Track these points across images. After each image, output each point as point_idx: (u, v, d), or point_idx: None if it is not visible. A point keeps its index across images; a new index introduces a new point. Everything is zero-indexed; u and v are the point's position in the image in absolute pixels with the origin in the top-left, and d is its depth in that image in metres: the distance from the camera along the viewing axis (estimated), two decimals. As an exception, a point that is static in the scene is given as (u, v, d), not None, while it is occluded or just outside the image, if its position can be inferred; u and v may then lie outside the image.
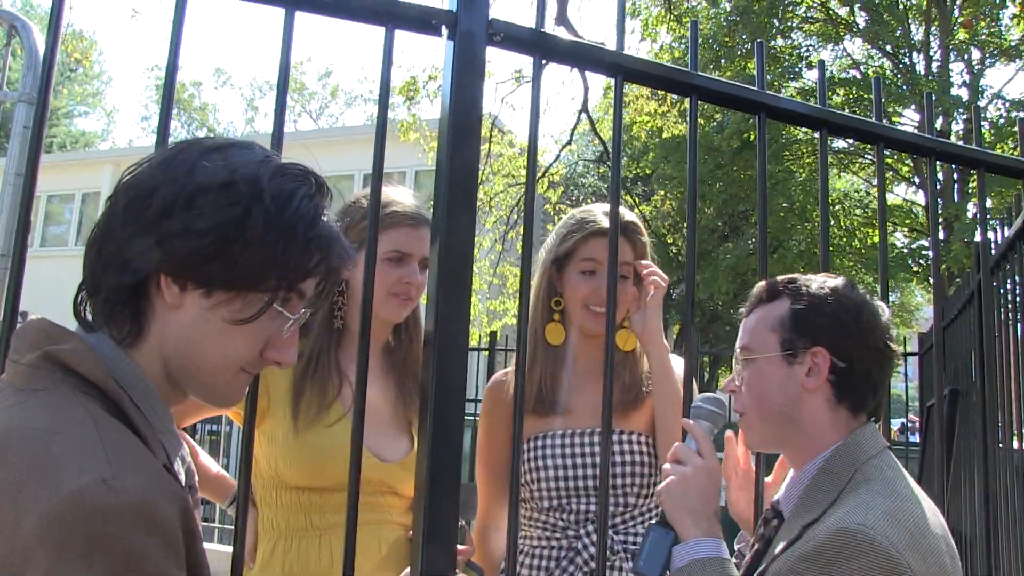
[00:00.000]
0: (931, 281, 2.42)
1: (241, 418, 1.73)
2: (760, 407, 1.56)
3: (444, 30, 1.53)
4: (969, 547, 3.96)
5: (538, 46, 1.66)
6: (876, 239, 13.86)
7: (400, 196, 2.05)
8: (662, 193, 14.37)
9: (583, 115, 10.98)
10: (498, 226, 12.59)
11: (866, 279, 15.18)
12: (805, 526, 1.41)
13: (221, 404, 1.19)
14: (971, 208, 12.14)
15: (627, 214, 2.27)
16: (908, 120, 15.03)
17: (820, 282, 1.57)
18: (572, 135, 11.46)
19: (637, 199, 14.59)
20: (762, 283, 1.64)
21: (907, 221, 15.54)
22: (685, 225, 13.75)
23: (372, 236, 1.50)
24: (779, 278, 1.62)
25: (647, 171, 14.91)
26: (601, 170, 16.68)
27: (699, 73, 1.84)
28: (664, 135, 13.00)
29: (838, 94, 13.40)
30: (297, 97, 40.68)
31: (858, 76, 14.60)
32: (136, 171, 1.11)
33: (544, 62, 1.75)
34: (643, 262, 2.20)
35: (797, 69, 14.38)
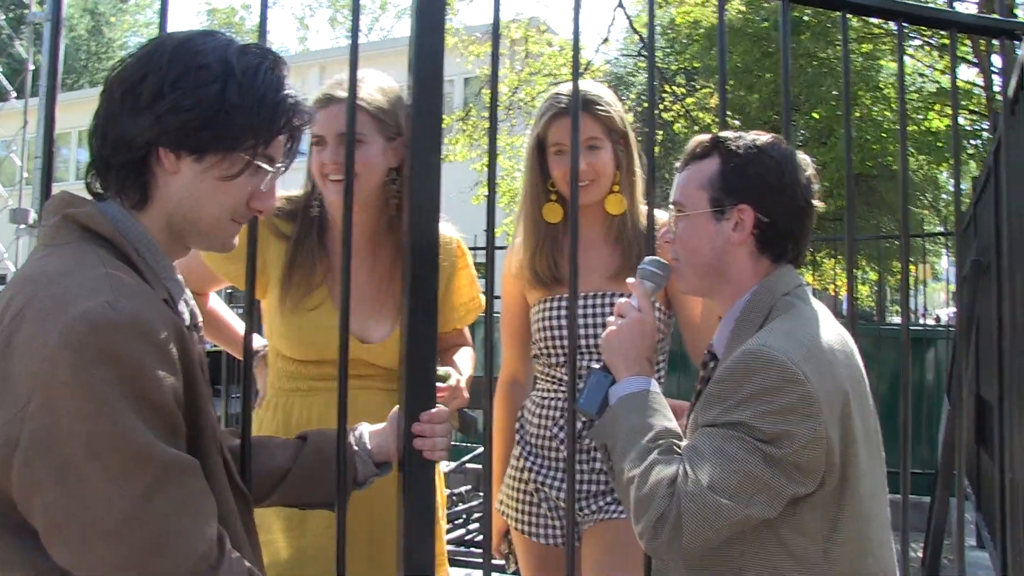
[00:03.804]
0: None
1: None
2: (692, 259, 1.72)
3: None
4: (991, 412, 4.10)
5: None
6: (931, 123, 13.48)
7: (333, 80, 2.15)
8: (708, 88, 14.14)
9: (617, 11, 10.90)
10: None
11: (920, 160, 14.88)
12: None
13: (219, 249, 1.44)
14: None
15: (591, 88, 2.41)
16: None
17: (749, 141, 1.70)
18: (609, 31, 11.41)
19: (683, 91, 14.38)
20: (694, 139, 1.77)
21: (967, 104, 15.04)
22: (731, 115, 13.59)
23: (350, 139, 1.70)
24: (710, 136, 1.75)
25: (695, 64, 14.70)
26: (641, 64, 16.39)
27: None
28: (705, 25, 12.74)
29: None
30: (346, 13, 40.42)
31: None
32: (123, 66, 1.34)
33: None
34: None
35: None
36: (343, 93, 2.02)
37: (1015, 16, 2.30)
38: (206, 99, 1.29)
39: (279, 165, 1.41)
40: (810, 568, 1.53)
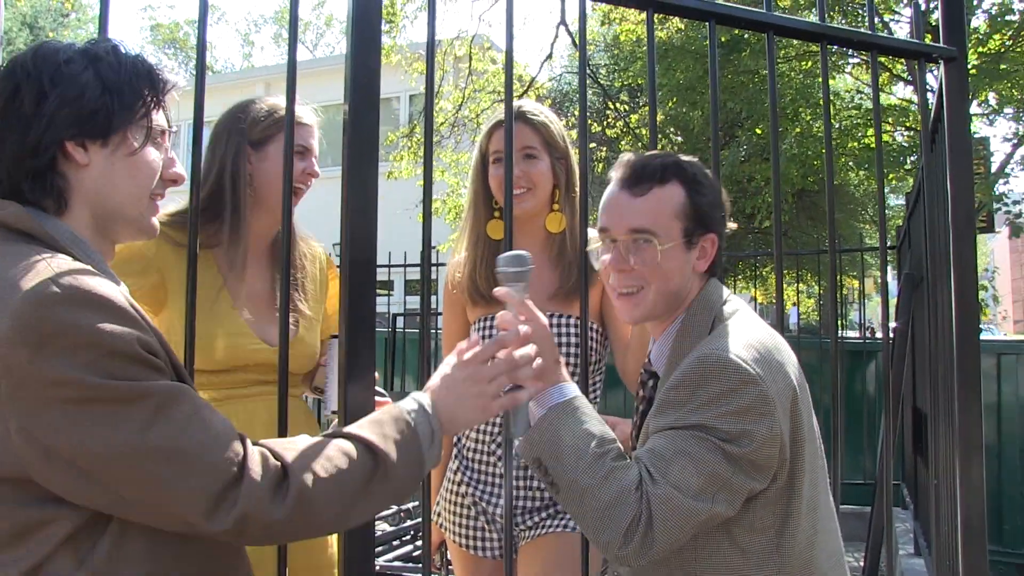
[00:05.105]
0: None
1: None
2: (663, 287, 1.69)
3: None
4: (926, 422, 4.20)
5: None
6: (871, 139, 13.77)
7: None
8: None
9: (560, 28, 10.99)
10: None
11: (860, 175, 15.21)
12: None
13: (145, 234, 1.46)
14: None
15: (532, 106, 2.46)
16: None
17: (696, 166, 1.74)
18: (552, 49, 11.49)
19: (626, 107, 14.48)
20: (642, 160, 1.73)
21: (905, 122, 15.39)
22: (674, 131, 13.78)
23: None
24: (660, 159, 1.73)
25: (639, 82, 14.81)
26: (584, 86, 16.48)
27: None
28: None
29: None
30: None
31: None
32: None
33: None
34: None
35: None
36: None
37: (937, 39, 2.38)
38: (88, 84, 1.32)
39: (173, 127, 1.46)
40: (763, 562, 1.57)
